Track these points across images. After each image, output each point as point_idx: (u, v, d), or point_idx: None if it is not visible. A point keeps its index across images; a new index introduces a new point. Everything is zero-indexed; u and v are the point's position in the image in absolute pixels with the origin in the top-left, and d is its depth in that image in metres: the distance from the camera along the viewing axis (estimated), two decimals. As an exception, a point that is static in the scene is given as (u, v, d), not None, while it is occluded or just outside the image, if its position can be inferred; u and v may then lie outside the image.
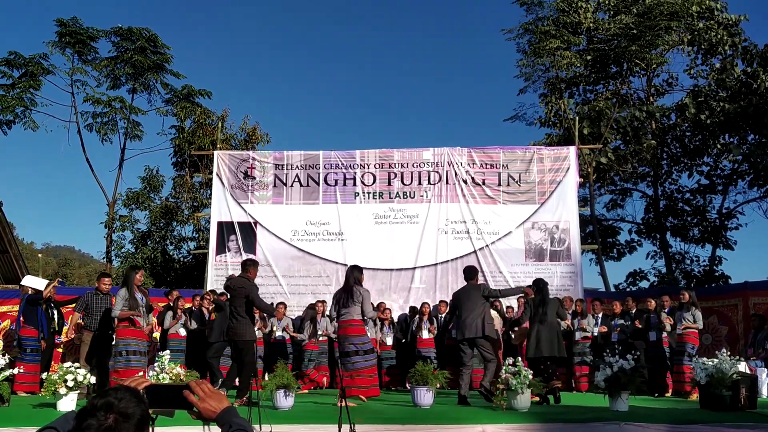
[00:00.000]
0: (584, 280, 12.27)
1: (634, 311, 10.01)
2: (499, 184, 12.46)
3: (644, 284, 19.91)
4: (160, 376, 6.53)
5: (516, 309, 10.57)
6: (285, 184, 12.70)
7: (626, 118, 17.76)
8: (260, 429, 4.82)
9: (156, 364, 6.80)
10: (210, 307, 10.12)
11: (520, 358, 6.96)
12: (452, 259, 12.11)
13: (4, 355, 7.19)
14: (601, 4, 18.38)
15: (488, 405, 6.94)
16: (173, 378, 6.58)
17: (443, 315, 10.71)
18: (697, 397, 7.49)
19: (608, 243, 20.34)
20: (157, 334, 10.08)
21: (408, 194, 12.56)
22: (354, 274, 7.75)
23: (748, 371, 7.28)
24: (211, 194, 13.57)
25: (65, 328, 10.36)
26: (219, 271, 12.34)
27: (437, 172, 12.59)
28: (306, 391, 9.37)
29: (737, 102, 17.52)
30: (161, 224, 18.31)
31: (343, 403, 4.50)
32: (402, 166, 12.70)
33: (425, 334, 10.46)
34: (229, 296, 7.79)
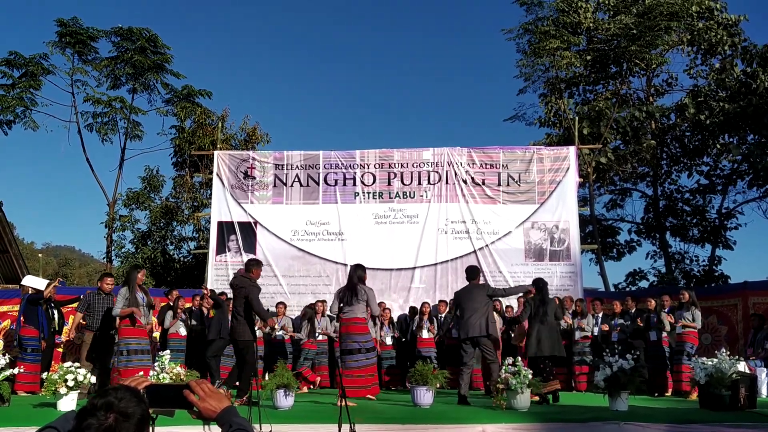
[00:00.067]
0: (584, 279, 12.30)
1: (633, 311, 10.02)
2: (499, 184, 12.47)
3: (644, 284, 19.94)
4: (161, 376, 6.54)
5: (516, 309, 10.57)
6: (285, 184, 12.71)
7: (626, 118, 17.75)
8: (260, 428, 4.83)
9: (156, 364, 6.81)
10: (209, 305, 10.12)
11: (519, 358, 6.97)
12: (452, 259, 12.12)
13: (4, 354, 7.20)
14: (600, 4, 18.38)
15: (488, 405, 6.94)
16: (173, 378, 6.58)
17: (443, 315, 10.72)
18: (696, 397, 7.50)
19: (608, 243, 20.35)
20: (157, 334, 10.08)
21: (408, 194, 12.57)
22: (357, 272, 7.76)
23: (747, 371, 7.28)
24: (211, 194, 13.58)
25: (65, 328, 10.37)
26: (219, 270, 12.35)
27: (437, 172, 12.60)
28: (305, 390, 9.38)
29: (737, 102, 17.52)
30: (161, 224, 18.31)
31: (343, 403, 4.51)
32: (402, 166, 12.71)
33: (425, 334, 10.47)
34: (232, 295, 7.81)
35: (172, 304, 10.21)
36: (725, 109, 17.62)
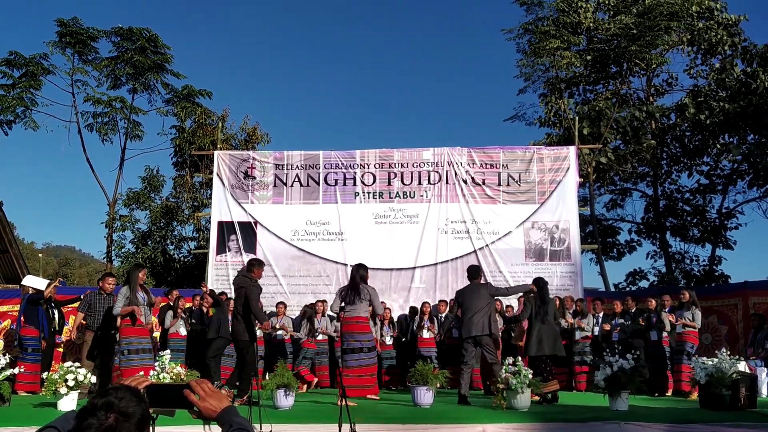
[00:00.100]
0: (584, 279, 12.29)
1: (633, 310, 10.02)
2: (499, 184, 12.47)
3: (644, 284, 19.95)
4: (161, 376, 6.54)
5: (516, 308, 10.58)
6: (285, 184, 12.71)
7: (626, 118, 17.75)
8: (260, 428, 4.83)
9: (156, 364, 6.81)
10: (209, 304, 10.10)
11: (520, 358, 6.98)
12: (452, 259, 12.12)
13: (5, 354, 7.21)
14: (601, 4, 18.38)
15: (488, 405, 6.94)
16: (174, 377, 6.59)
17: (443, 314, 10.73)
18: (696, 397, 7.50)
19: (608, 243, 20.35)
20: (157, 334, 10.08)
21: (408, 194, 12.57)
22: (360, 272, 7.76)
23: (747, 371, 7.27)
24: (211, 194, 13.58)
25: (66, 328, 10.37)
26: (219, 270, 12.36)
27: (437, 172, 12.60)
28: (304, 390, 9.38)
29: (737, 102, 17.51)
30: (162, 224, 18.31)
31: (344, 403, 4.51)
32: (402, 166, 12.71)
33: (426, 334, 10.47)
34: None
35: (172, 304, 10.21)
36: (725, 109, 17.62)
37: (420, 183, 12.59)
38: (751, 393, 6.72)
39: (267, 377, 8.46)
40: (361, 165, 12.71)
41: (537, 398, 7.30)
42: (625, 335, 9.64)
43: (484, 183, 12.50)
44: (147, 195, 18.40)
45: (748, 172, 18.75)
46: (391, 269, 12.09)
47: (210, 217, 13.13)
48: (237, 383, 7.52)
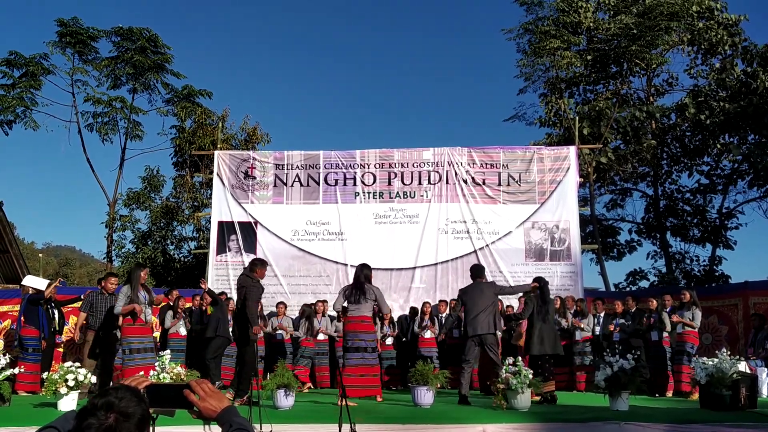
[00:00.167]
0: (584, 279, 12.29)
1: (633, 310, 10.02)
2: (499, 184, 12.47)
3: (644, 284, 19.96)
4: (161, 376, 6.54)
5: (516, 308, 10.57)
6: (285, 184, 12.71)
7: (626, 118, 17.76)
8: (260, 428, 4.83)
9: (156, 364, 6.80)
10: (207, 302, 10.07)
11: (520, 358, 6.98)
12: (452, 259, 12.13)
13: (5, 354, 7.20)
14: (601, 4, 18.38)
15: (488, 405, 6.94)
16: (174, 377, 6.58)
17: (443, 314, 10.72)
18: (697, 397, 7.49)
19: (608, 243, 20.35)
20: (157, 334, 10.07)
21: (408, 194, 12.57)
22: (364, 271, 7.75)
23: (748, 371, 7.27)
24: (211, 194, 13.59)
25: (66, 328, 10.37)
26: (219, 270, 12.36)
27: (437, 171, 12.60)
28: (306, 390, 9.38)
29: (737, 102, 17.51)
30: (162, 224, 18.32)
31: (344, 403, 4.50)
32: (402, 165, 12.71)
33: (428, 334, 10.46)
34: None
35: (172, 304, 10.20)
36: (725, 108, 17.62)
37: (420, 183, 12.59)
38: (751, 393, 6.71)
39: (267, 377, 8.44)
40: (361, 165, 12.71)
41: (538, 398, 7.30)
42: (626, 335, 9.63)
43: (484, 183, 12.50)
44: (147, 195, 18.41)
45: (748, 172, 18.75)
46: (392, 269, 12.08)
47: (210, 217, 13.14)
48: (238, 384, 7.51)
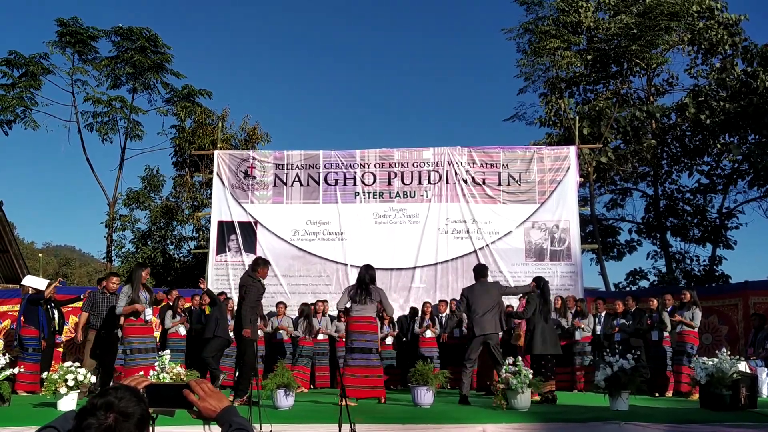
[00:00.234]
0: (584, 279, 12.29)
1: (633, 310, 10.02)
2: (499, 184, 12.46)
3: (644, 284, 19.96)
4: (161, 376, 6.54)
5: (516, 308, 10.56)
6: (285, 184, 12.71)
7: (626, 117, 17.76)
8: (260, 428, 4.82)
9: (156, 364, 6.80)
10: (206, 301, 10.06)
11: (520, 358, 6.98)
12: (452, 259, 12.12)
13: (4, 354, 7.20)
14: (601, 3, 18.38)
15: (488, 405, 6.94)
16: (173, 377, 6.58)
17: (444, 314, 10.71)
18: (697, 397, 7.49)
19: (608, 243, 20.35)
20: (157, 334, 10.06)
21: (408, 194, 12.56)
22: (369, 272, 7.74)
23: (748, 371, 7.27)
24: (211, 194, 13.58)
25: (66, 328, 10.36)
26: (219, 270, 12.35)
27: (437, 171, 12.59)
28: (307, 390, 9.38)
29: (737, 102, 17.51)
30: (161, 224, 18.31)
31: (344, 403, 4.50)
32: (402, 165, 12.70)
33: (429, 334, 10.45)
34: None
35: (172, 304, 10.20)
36: (726, 108, 17.62)
37: (420, 183, 12.58)
38: (751, 393, 6.71)
39: (267, 377, 8.42)
40: (361, 165, 12.71)
41: (538, 398, 7.30)
42: (626, 335, 9.64)
43: (484, 183, 12.50)
44: (147, 195, 18.40)
45: (748, 172, 18.75)
46: (392, 269, 12.08)
47: (210, 217, 13.14)
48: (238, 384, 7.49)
